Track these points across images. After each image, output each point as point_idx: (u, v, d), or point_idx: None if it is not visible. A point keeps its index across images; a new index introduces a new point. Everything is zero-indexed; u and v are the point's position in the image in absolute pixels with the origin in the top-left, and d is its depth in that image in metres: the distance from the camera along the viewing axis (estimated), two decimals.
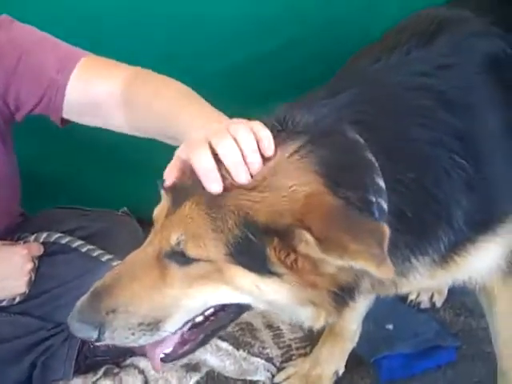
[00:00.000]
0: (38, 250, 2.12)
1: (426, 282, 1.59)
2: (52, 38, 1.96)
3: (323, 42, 2.79)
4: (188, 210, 1.34)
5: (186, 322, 1.44)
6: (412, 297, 2.50)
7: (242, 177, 1.31)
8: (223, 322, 1.50)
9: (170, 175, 1.42)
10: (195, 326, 1.48)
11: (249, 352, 2.29)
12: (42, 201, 2.55)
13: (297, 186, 1.29)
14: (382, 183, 1.35)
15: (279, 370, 2.25)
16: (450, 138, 1.45)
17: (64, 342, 2.22)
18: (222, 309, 1.46)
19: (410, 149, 1.44)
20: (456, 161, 1.44)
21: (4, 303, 2.09)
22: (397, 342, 2.30)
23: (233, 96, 2.82)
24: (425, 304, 2.50)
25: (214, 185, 1.31)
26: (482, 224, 1.52)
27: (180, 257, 1.35)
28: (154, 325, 1.39)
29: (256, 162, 1.31)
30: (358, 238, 1.21)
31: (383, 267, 1.20)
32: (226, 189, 1.31)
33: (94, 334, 1.37)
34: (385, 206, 1.35)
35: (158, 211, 1.44)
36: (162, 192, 1.44)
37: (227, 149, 1.32)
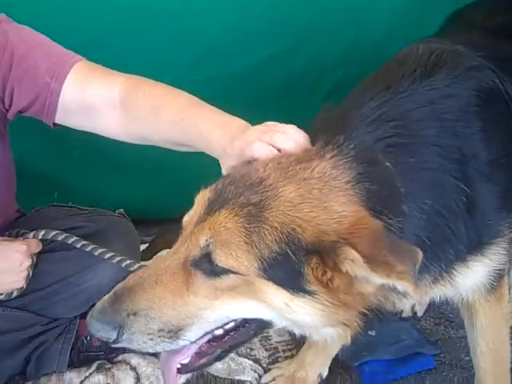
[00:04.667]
0: (36, 246, 2.17)
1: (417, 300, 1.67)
2: (47, 39, 2.00)
3: (314, 52, 2.86)
4: (222, 219, 1.36)
5: (206, 333, 1.45)
6: None
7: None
8: (242, 338, 1.51)
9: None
10: (214, 339, 1.49)
11: (237, 353, 2.33)
12: (37, 198, 2.59)
13: (346, 212, 1.36)
14: (406, 209, 1.43)
15: (266, 371, 2.32)
16: (455, 165, 1.53)
17: (59, 336, 2.28)
18: (243, 324, 1.48)
19: (428, 176, 1.51)
20: (461, 187, 1.52)
21: (1, 297, 2.13)
22: (379, 348, 2.38)
23: (227, 103, 2.88)
24: (406, 313, 2.58)
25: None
26: (474, 246, 1.60)
27: (208, 265, 1.37)
28: (173, 332, 1.39)
29: None
30: (401, 259, 1.27)
31: (418, 289, 1.29)
32: (270, 200, 1.36)
33: (113, 335, 1.38)
34: (405, 230, 1.42)
35: (188, 218, 1.45)
36: (196, 198, 1.46)
37: (282, 139, 1.52)
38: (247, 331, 1.50)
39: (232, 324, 1.47)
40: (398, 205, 1.42)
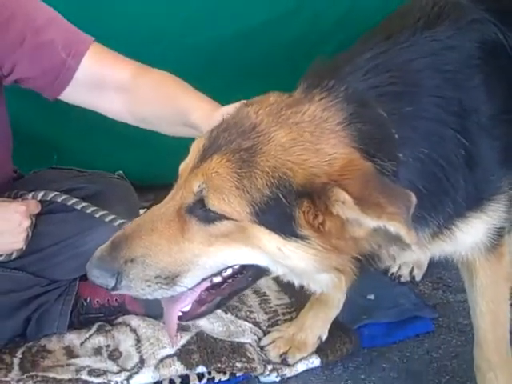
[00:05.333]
0: (35, 207, 2.16)
1: (418, 255, 1.66)
2: (58, 14, 2.04)
3: (314, 15, 2.84)
4: (214, 164, 1.37)
5: (204, 280, 1.46)
6: (393, 270, 2.60)
7: None
8: (240, 285, 1.52)
9: None
10: (213, 287, 1.51)
11: (236, 316, 2.36)
12: (36, 162, 2.58)
13: (337, 154, 1.36)
14: (400, 155, 1.42)
15: (265, 333, 2.32)
16: (455, 118, 1.52)
17: (59, 298, 2.28)
18: (240, 271, 1.49)
19: (425, 126, 1.50)
20: (460, 140, 1.51)
21: (1, 258, 2.14)
22: (377, 312, 2.39)
23: (221, 68, 2.86)
24: (405, 277, 2.60)
25: None
26: (473, 201, 1.59)
27: (202, 211, 1.38)
28: (170, 279, 1.41)
29: None
30: (393, 202, 1.27)
31: (411, 232, 1.27)
32: (262, 145, 1.36)
33: (112, 282, 1.39)
34: (399, 175, 1.42)
35: (184, 166, 1.46)
36: (191, 147, 1.46)
37: None
38: (245, 278, 1.51)
39: (230, 271, 1.49)
40: (391, 148, 1.41)
